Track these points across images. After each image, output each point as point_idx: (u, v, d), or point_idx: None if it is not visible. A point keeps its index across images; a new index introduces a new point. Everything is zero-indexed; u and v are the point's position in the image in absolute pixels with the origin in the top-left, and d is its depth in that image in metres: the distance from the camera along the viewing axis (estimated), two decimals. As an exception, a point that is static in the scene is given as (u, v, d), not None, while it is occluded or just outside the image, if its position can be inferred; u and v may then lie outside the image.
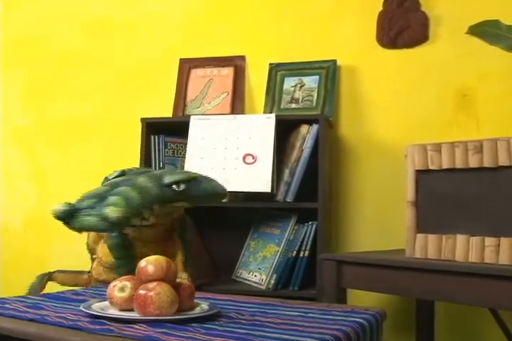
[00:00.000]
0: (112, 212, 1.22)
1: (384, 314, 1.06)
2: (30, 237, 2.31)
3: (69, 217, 1.25)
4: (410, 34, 1.93)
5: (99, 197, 1.27)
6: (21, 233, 2.33)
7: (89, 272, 1.56)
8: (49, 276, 1.60)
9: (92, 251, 1.57)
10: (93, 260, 1.56)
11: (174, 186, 1.34)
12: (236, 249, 1.92)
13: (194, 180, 1.39)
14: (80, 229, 1.26)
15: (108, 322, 0.91)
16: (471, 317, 1.80)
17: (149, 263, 0.96)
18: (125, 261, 1.41)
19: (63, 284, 1.61)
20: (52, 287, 1.67)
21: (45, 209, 2.30)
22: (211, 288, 1.67)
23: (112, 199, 1.25)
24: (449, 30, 1.89)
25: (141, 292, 0.92)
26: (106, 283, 1.35)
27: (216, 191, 1.45)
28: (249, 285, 1.80)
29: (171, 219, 1.45)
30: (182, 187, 1.34)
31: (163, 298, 0.91)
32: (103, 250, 1.47)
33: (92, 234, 1.54)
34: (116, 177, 1.39)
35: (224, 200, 1.66)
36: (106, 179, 1.43)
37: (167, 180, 1.34)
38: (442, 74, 1.89)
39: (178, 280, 0.99)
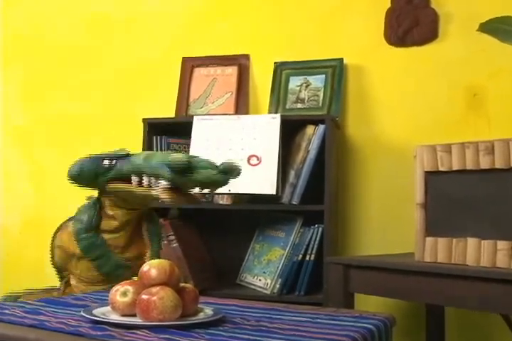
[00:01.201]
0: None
1: (393, 319, 1.06)
2: (28, 238, 2.32)
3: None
4: (419, 32, 1.92)
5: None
6: (19, 234, 2.33)
7: (59, 289, 1.54)
8: (15, 299, 1.56)
9: (60, 268, 1.54)
10: (62, 277, 1.53)
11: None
12: (240, 252, 1.92)
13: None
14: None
15: (110, 328, 0.90)
16: (483, 324, 1.79)
17: (152, 267, 0.95)
18: (105, 259, 1.40)
19: None
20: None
21: (43, 209, 2.31)
22: (214, 293, 1.67)
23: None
24: (459, 28, 1.89)
25: (144, 296, 0.92)
26: None
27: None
28: (253, 290, 1.80)
29: (135, 215, 1.42)
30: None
31: (167, 303, 0.91)
32: (79, 266, 1.43)
33: (59, 252, 1.51)
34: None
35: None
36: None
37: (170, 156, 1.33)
38: (452, 72, 1.89)
39: (181, 284, 0.99)
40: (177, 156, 1.26)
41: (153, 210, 1.47)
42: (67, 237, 1.44)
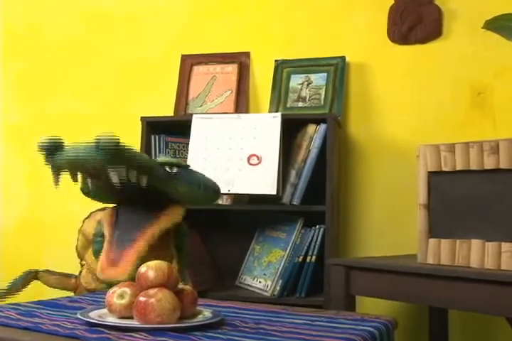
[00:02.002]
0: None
1: (395, 322, 1.06)
2: (22, 239, 2.32)
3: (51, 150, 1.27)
4: (423, 29, 1.92)
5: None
6: (13, 235, 2.33)
7: (76, 276, 1.56)
8: (35, 274, 1.60)
9: (80, 256, 1.56)
10: (82, 265, 1.56)
11: (167, 167, 1.32)
12: (240, 253, 1.92)
13: (187, 167, 1.38)
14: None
15: (106, 331, 0.90)
16: (487, 327, 1.79)
17: (150, 269, 0.95)
18: None
19: (48, 285, 1.61)
20: (44, 290, 1.67)
21: (39, 210, 2.30)
22: (214, 295, 1.67)
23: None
24: (464, 25, 1.89)
25: (142, 299, 0.92)
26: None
27: (208, 185, 1.40)
28: (253, 292, 1.80)
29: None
30: (175, 170, 1.32)
31: (165, 305, 0.91)
32: (92, 257, 1.46)
33: (82, 238, 1.53)
34: None
35: (217, 202, 1.63)
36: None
37: (160, 159, 1.34)
38: (457, 71, 1.89)
39: (180, 286, 0.99)
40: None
41: (184, 222, 1.45)
42: (91, 224, 1.46)
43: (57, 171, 1.27)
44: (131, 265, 1.28)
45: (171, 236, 1.41)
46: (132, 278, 1.22)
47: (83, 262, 1.56)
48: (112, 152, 1.24)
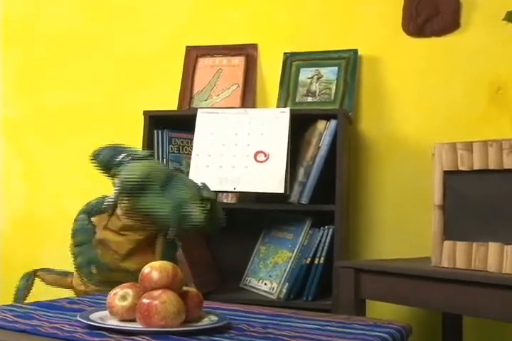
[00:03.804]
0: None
1: (409, 328, 1.05)
2: (20, 237, 2.32)
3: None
4: (440, 21, 1.91)
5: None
6: (11, 232, 2.34)
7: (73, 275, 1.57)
8: (34, 275, 1.62)
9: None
10: None
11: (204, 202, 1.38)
12: (245, 254, 1.92)
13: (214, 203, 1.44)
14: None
15: (108, 334, 0.90)
16: (504, 335, 1.78)
17: (154, 269, 0.95)
18: (85, 247, 1.43)
19: (46, 283, 1.63)
20: (41, 290, 1.67)
21: (35, 208, 2.31)
22: (217, 297, 1.67)
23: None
24: (484, 17, 1.87)
25: (145, 301, 0.92)
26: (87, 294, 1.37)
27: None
28: (258, 295, 1.80)
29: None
30: (208, 206, 1.38)
31: (169, 308, 0.91)
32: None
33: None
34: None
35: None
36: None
37: (205, 194, 1.39)
38: (474, 65, 1.88)
39: (184, 288, 0.99)
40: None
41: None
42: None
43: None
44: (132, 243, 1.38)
45: (159, 244, 1.44)
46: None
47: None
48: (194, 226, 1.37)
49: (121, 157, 1.42)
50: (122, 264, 1.41)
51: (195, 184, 1.43)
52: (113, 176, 1.44)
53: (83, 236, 1.45)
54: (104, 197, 1.48)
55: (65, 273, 1.61)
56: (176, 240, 1.52)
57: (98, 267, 1.43)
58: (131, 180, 1.33)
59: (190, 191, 1.38)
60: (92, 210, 1.46)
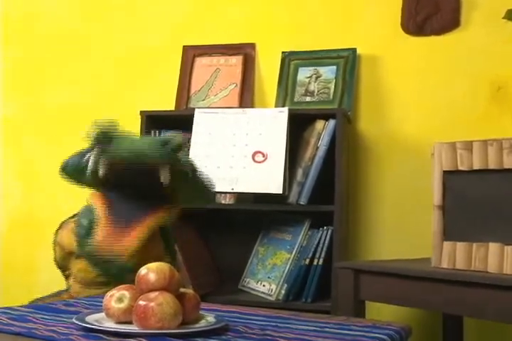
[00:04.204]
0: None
1: (409, 330, 1.05)
2: (16, 237, 2.32)
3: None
4: (439, 19, 1.91)
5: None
6: (7, 233, 2.34)
7: (66, 290, 1.56)
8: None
9: (62, 267, 1.57)
10: (66, 277, 1.56)
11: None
12: (243, 255, 1.92)
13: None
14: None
15: (104, 336, 0.90)
16: (505, 336, 1.78)
17: (151, 271, 0.95)
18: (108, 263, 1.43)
19: None
20: (40, 290, 1.67)
21: (33, 207, 2.31)
22: (215, 298, 1.67)
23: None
24: (484, 15, 1.88)
25: (142, 303, 0.92)
26: None
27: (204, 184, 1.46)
28: (256, 296, 1.80)
29: None
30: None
31: (166, 310, 0.91)
32: (77, 265, 1.47)
33: (59, 250, 1.54)
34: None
35: (211, 202, 1.74)
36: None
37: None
38: (475, 64, 1.88)
39: (182, 289, 0.99)
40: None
41: (169, 228, 1.50)
42: (66, 235, 1.47)
43: (107, 163, 1.33)
44: (136, 241, 1.35)
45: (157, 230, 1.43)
46: (140, 248, 1.32)
47: (67, 272, 1.56)
48: (178, 153, 1.33)
49: (88, 155, 1.38)
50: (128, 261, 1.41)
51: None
52: (89, 177, 1.40)
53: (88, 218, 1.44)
54: (85, 209, 1.45)
55: (59, 293, 1.60)
56: (172, 233, 1.51)
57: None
58: (102, 132, 1.31)
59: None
60: (92, 231, 1.44)
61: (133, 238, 1.35)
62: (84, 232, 1.42)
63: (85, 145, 1.43)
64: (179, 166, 1.35)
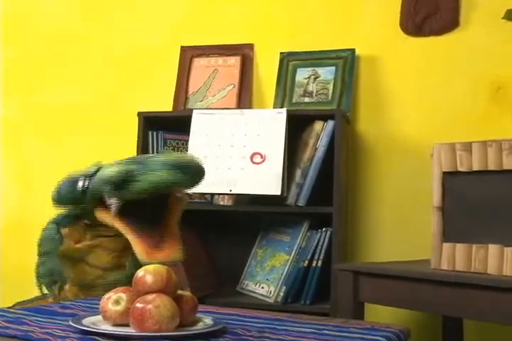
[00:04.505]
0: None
1: (408, 332, 1.05)
2: (10, 241, 2.32)
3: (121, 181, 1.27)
4: (439, 19, 1.91)
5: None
6: (1, 236, 2.33)
7: (51, 296, 1.56)
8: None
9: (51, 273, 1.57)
10: (54, 282, 1.55)
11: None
12: (241, 257, 1.92)
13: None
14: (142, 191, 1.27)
15: (101, 339, 0.90)
16: (505, 338, 1.78)
17: (148, 273, 0.95)
18: (47, 258, 1.42)
19: None
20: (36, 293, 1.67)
21: (29, 210, 2.30)
22: (213, 301, 1.67)
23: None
24: (484, 15, 1.88)
25: (139, 305, 0.92)
26: None
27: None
28: (255, 298, 1.80)
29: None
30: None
31: (163, 312, 0.91)
32: (75, 269, 1.47)
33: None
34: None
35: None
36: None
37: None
38: (474, 64, 1.88)
39: (179, 291, 0.99)
40: (112, 169, 1.26)
41: None
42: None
43: (125, 201, 1.30)
44: (176, 239, 1.35)
45: None
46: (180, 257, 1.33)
47: (56, 278, 1.55)
48: (199, 175, 1.32)
49: (80, 183, 1.33)
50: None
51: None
52: (86, 207, 1.37)
53: (48, 246, 1.42)
54: (75, 208, 1.43)
55: (44, 296, 1.59)
56: None
57: (59, 277, 1.41)
58: (113, 176, 1.26)
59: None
60: (63, 220, 1.42)
61: (171, 240, 1.34)
62: (54, 218, 1.42)
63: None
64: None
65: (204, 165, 1.34)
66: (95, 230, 1.42)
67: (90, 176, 1.34)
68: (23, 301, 1.61)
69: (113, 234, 1.40)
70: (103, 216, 1.36)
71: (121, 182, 1.26)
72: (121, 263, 1.45)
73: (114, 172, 1.26)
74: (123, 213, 1.34)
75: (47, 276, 1.41)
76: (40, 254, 1.43)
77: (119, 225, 1.34)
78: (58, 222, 1.43)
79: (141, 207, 1.35)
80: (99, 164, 1.35)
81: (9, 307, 1.54)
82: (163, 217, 1.37)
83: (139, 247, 1.31)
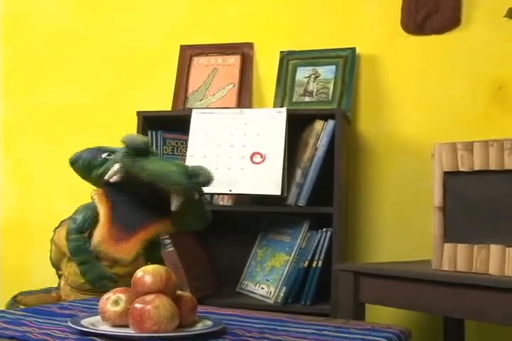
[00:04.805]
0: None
1: (408, 333, 1.05)
2: (8, 242, 2.32)
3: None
4: (440, 18, 1.91)
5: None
6: (0, 236, 2.33)
7: (57, 288, 1.56)
8: (14, 302, 1.60)
9: (56, 266, 1.58)
10: (59, 276, 1.57)
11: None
12: (241, 257, 1.92)
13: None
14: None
15: (100, 340, 0.90)
16: (507, 339, 1.78)
17: (147, 273, 0.95)
18: (91, 266, 1.42)
19: (29, 306, 1.61)
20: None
21: (27, 211, 2.30)
22: (213, 301, 1.67)
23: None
24: (485, 13, 1.88)
25: (138, 305, 0.92)
26: None
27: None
28: (255, 299, 1.80)
29: None
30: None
31: (162, 313, 0.91)
32: (68, 269, 1.48)
33: (55, 249, 1.55)
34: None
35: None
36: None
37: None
38: (475, 63, 1.88)
39: (178, 292, 0.99)
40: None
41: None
42: (62, 234, 1.47)
43: (126, 173, 1.34)
44: (139, 244, 1.35)
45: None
46: (135, 259, 1.33)
47: (60, 272, 1.56)
48: (200, 185, 1.34)
49: (104, 155, 1.42)
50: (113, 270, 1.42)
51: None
52: (97, 177, 1.42)
53: (84, 256, 1.43)
54: (83, 206, 1.46)
55: (48, 290, 1.60)
56: (159, 239, 1.54)
57: (111, 280, 1.42)
58: (136, 143, 1.30)
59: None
60: (83, 227, 1.44)
61: (135, 242, 1.35)
62: (75, 227, 1.42)
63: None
64: (194, 196, 1.36)
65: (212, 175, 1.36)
66: None
67: (114, 152, 1.40)
68: (25, 292, 1.62)
69: None
70: (96, 194, 1.40)
71: (142, 150, 1.30)
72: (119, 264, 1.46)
73: (144, 139, 1.32)
74: (116, 194, 1.38)
75: (97, 281, 1.41)
76: (79, 264, 1.43)
77: (102, 204, 1.36)
78: (81, 230, 1.43)
79: (136, 201, 1.37)
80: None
81: (13, 298, 1.56)
82: (149, 222, 1.39)
83: (102, 231, 1.34)
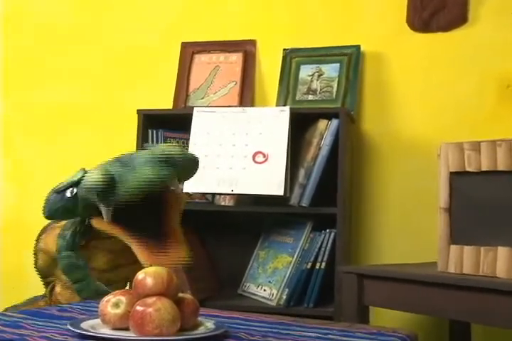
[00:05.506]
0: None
1: (415, 337, 1.05)
2: (6, 242, 2.32)
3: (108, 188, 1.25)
4: (446, 15, 1.91)
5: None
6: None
7: (44, 296, 1.55)
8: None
9: (45, 273, 1.56)
10: (47, 284, 1.55)
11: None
12: (243, 259, 1.92)
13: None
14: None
15: (100, 343, 0.90)
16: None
17: (148, 275, 0.95)
18: (85, 283, 1.41)
19: None
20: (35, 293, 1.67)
21: (25, 211, 2.30)
22: (214, 304, 1.67)
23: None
24: (492, 10, 1.88)
25: (139, 308, 0.92)
26: None
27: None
28: (257, 301, 1.80)
29: None
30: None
31: (164, 315, 0.90)
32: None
33: (44, 257, 1.53)
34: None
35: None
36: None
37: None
38: (483, 61, 1.88)
39: (180, 294, 0.98)
40: (95, 175, 1.25)
41: None
42: (52, 240, 1.45)
43: (116, 205, 1.28)
44: (176, 239, 1.32)
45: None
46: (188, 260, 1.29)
47: (50, 279, 1.55)
48: (189, 166, 1.30)
49: (68, 193, 1.34)
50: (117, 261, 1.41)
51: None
52: (83, 217, 1.38)
53: (78, 274, 1.41)
54: (74, 223, 1.43)
55: (35, 299, 1.58)
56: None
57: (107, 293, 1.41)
58: (97, 183, 1.24)
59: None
60: (74, 243, 1.42)
61: (172, 240, 1.32)
62: (65, 245, 1.41)
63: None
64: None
65: (193, 154, 1.31)
66: (92, 232, 1.41)
67: (76, 184, 1.33)
68: (13, 306, 1.61)
69: (109, 235, 1.39)
70: (99, 224, 1.35)
71: (106, 188, 1.24)
72: (118, 264, 1.45)
73: (98, 178, 1.24)
74: (119, 218, 1.32)
75: (95, 298, 1.40)
76: (74, 283, 1.42)
77: (117, 232, 1.32)
78: (71, 247, 1.41)
79: (137, 209, 1.34)
80: (83, 170, 1.35)
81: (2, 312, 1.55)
82: (164, 217, 1.36)
83: (142, 254, 1.28)
